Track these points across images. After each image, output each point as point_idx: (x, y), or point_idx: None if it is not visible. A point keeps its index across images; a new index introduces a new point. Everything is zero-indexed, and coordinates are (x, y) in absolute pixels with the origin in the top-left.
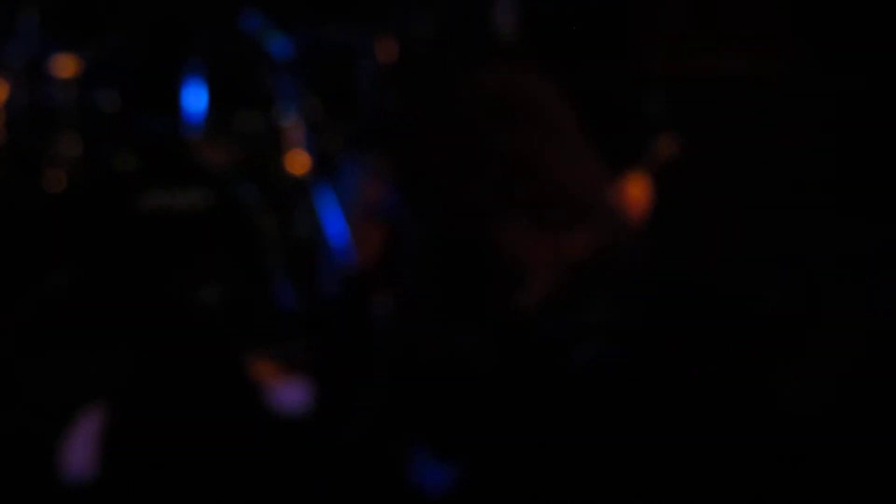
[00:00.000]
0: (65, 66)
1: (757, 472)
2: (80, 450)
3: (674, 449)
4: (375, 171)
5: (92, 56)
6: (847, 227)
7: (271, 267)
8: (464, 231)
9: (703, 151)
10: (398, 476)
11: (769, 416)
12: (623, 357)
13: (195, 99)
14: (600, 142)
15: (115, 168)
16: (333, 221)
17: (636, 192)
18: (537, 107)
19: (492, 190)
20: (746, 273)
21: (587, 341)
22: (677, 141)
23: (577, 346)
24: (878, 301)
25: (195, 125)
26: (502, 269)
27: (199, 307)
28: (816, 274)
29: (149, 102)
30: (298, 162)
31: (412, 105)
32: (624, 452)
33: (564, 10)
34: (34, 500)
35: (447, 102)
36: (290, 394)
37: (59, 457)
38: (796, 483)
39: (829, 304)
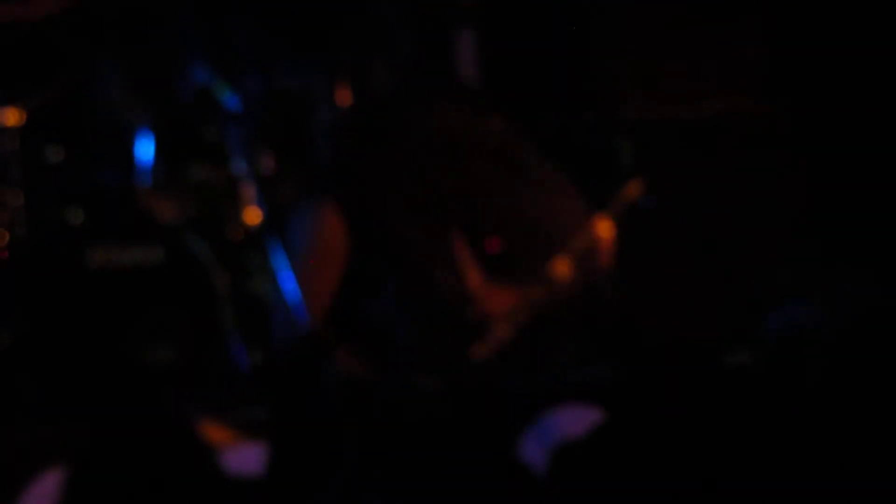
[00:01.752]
0: (7, 115)
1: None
2: None
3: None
4: (327, 217)
5: (35, 106)
6: (818, 270)
7: (224, 325)
8: (421, 278)
9: (673, 196)
10: None
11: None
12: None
13: (144, 151)
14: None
15: (61, 222)
16: (287, 277)
17: (603, 235)
18: (494, 145)
19: (449, 234)
20: (714, 320)
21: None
22: (643, 185)
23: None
24: (851, 345)
25: (144, 177)
26: (462, 316)
27: (151, 368)
28: (789, 318)
29: (96, 154)
30: (250, 216)
31: (367, 151)
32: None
33: (529, 58)
34: None
35: (401, 145)
36: (246, 458)
37: None
38: None
39: (801, 350)
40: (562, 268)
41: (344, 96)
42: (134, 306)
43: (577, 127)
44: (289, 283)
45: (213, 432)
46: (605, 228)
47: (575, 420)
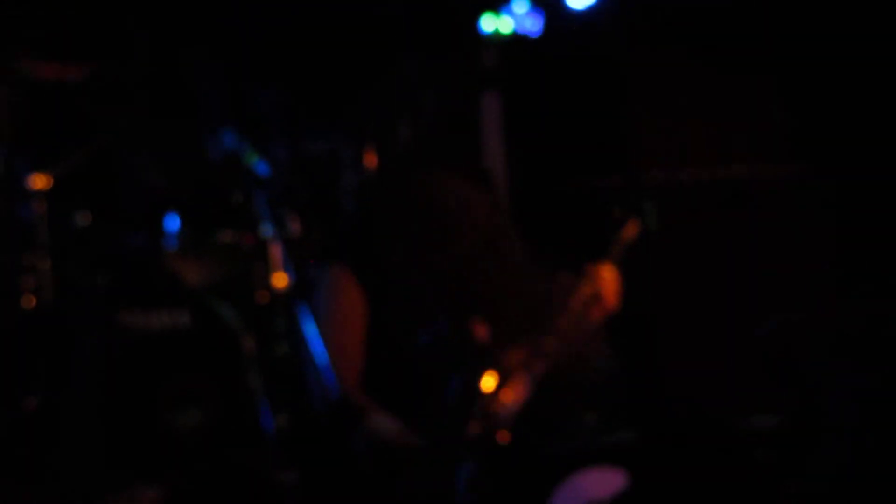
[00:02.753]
0: (36, 180)
1: None
2: None
3: None
4: (342, 281)
5: (63, 170)
6: (843, 332)
7: (252, 389)
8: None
9: (697, 258)
10: None
11: None
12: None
13: (171, 215)
14: (562, 240)
15: (88, 286)
16: (314, 341)
17: (607, 279)
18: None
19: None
20: (738, 383)
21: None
22: (639, 226)
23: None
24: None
25: (171, 241)
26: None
27: (180, 432)
28: (813, 385)
29: (123, 218)
30: (277, 279)
31: (384, 214)
32: None
33: (555, 122)
34: None
35: (405, 212)
36: None
37: None
38: None
39: (821, 414)
40: (566, 320)
41: (370, 160)
42: (161, 370)
43: (603, 189)
44: (318, 347)
45: None
46: (608, 273)
47: (602, 482)
